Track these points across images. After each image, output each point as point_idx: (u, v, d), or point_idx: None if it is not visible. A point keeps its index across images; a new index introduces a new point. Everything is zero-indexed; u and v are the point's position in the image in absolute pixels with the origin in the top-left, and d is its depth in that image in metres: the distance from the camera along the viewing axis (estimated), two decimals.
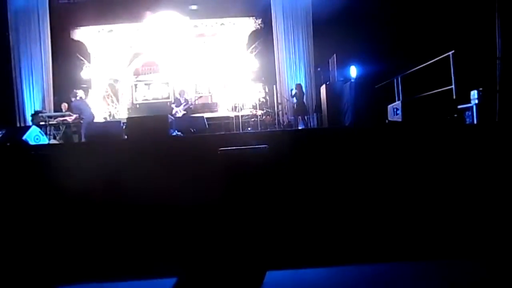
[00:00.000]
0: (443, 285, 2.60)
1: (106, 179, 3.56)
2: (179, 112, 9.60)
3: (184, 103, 9.73)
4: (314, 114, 10.67)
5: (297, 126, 10.03)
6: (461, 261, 3.01)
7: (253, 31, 12.32)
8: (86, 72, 11.94)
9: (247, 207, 3.21)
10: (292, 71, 11.39)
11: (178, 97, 10.03)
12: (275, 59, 11.65)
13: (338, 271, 2.99)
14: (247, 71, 12.24)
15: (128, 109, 12.08)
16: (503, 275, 2.72)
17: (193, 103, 10.07)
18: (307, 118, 10.24)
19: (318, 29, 11.12)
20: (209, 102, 12.29)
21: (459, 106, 5.68)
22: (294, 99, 10.08)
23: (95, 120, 9.01)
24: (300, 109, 9.98)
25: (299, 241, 3.42)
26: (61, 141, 8.85)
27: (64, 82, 11.28)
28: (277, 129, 10.01)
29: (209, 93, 12.39)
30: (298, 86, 10.11)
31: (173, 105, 9.86)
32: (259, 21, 12.17)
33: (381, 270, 2.92)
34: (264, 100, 11.47)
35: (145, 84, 12.32)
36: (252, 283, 2.81)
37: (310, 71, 11.28)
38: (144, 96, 12.30)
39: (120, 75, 12.25)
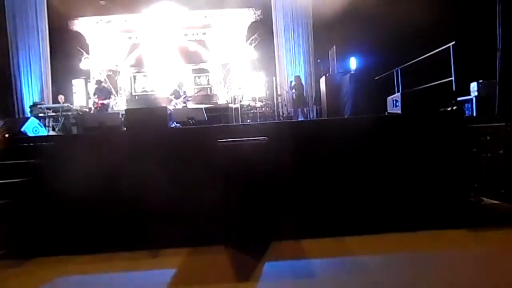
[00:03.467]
0: (442, 278, 2.62)
1: (105, 170, 3.56)
2: (178, 104, 9.56)
3: (183, 95, 9.70)
4: (314, 106, 10.65)
5: (297, 118, 10.01)
6: (458, 252, 3.04)
7: (253, 23, 12.25)
8: (84, 63, 11.89)
9: (245, 199, 3.22)
10: (292, 63, 11.34)
11: (177, 89, 9.99)
12: (274, 50, 11.60)
13: (336, 262, 3.01)
14: (247, 63, 12.18)
15: (127, 100, 12.05)
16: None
17: (193, 96, 10.02)
18: (307, 110, 10.22)
19: (318, 21, 11.03)
20: (208, 93, 12.25)
21: (459, 98, 5.67)
22: (294, 91, 10.06)
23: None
24: (300, 101, 9.96)
25: (298, 234, 3.44)
26: (60, 133, 8.83)
27: (63, 73, 11.25)
28: (277, 121, 9.99)
29: (208, 84, 12.34)
30: (297, 78, 10.08)
31: (171, 97, 9.83)
32: (259, 12, 12.09)
33: (379, 261, 2.94)
34: (263, 92, 11.43)
35: (144, 76, 12.27)
36: (250, 274, 2.83)
37: (309, 63, 11.23)
38: (143, 88, 12.25)
39: (118, 66, 12.20)
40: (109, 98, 9.59)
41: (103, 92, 9.52)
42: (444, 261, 2.83)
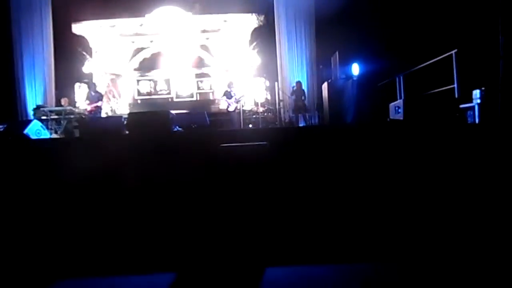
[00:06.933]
0: (444, 285, 2.60)
1: (106, 174, 3.56)
2: (232, 104, 9.37)
3: (234, 95, 9.53)
4: (316, 111, 10.66)
5: (298, 124, 10.02)
6: (459, 261, 3.01)
7: (256, 28, 12.29)
8: (87, 67, 11.93)
9: (246, 204, 3.21)
10: (294, 69, 11.36)
11: (228, 89, 9.75)
12: (277, 56, 11.63)
13: (338, 269, 2.99)
14: (249, 68, 12.22)
15: (130, 104, 12.08)
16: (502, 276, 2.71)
17: (240, 99, 9.77)
18: (309, 115, 10.22)
19: (321, 26, 11.09)
20: (211, 98, 12.29)
21: (461, 106, 5.67)
22: (294, 97, 10.10)
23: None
24: (300, 106, 9.99)
25: (299, 238, 3.42)
26: (62, 136, 8.86)
27: (66, 77, 11.30)
28: (278, 126, 9.99)
29: (211, 89, 12.35)
30: (298, 84, 10.12)
31: (223, 98, 9.67)
32: (262, 17, 12.15)
33: (381, 269, 2.92)
34: (265, 97, 11.45)
35: (147, 80, 12.30)
36: (251, 279, 2.81)
37: (312, 68, 11.25)
38: (146, 92, 12.28)
39: (121, 70, 12.24)
40: (101, 100, 9.65)
41: (94, 95, 9.58)
42: None
